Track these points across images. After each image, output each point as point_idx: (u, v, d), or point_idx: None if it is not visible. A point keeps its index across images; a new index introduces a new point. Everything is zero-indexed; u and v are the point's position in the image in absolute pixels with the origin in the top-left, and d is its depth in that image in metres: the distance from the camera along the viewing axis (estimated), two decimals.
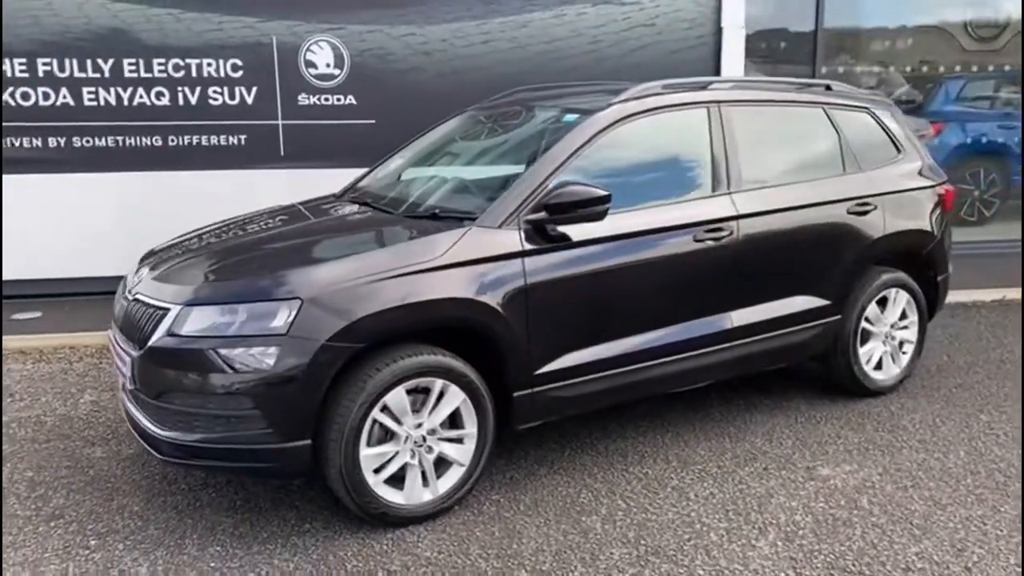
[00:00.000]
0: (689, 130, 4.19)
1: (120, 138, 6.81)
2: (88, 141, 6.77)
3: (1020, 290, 6.90)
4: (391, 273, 3.30)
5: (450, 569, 3.15)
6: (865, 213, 4.54)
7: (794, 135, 4.57)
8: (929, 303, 4.99)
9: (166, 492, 3.77)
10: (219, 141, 6.92)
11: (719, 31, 7.37)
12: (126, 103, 6.77)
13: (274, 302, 3.17)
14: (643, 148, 4.11)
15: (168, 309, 3.30)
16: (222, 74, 6.83)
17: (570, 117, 4.07)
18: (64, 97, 6.69)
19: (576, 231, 3.68)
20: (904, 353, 4.89)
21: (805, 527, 3.41)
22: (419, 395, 3.41)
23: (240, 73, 6.86)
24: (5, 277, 6.66)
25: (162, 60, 6.74)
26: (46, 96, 6.67)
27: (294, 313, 3.14)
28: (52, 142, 6.74)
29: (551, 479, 3.86)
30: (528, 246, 3.56)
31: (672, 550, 3.25)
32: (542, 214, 3.59)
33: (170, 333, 3.24)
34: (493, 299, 3.45)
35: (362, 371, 3.26)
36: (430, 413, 3.42)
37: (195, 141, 6.89)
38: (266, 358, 3.12)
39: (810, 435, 4.31)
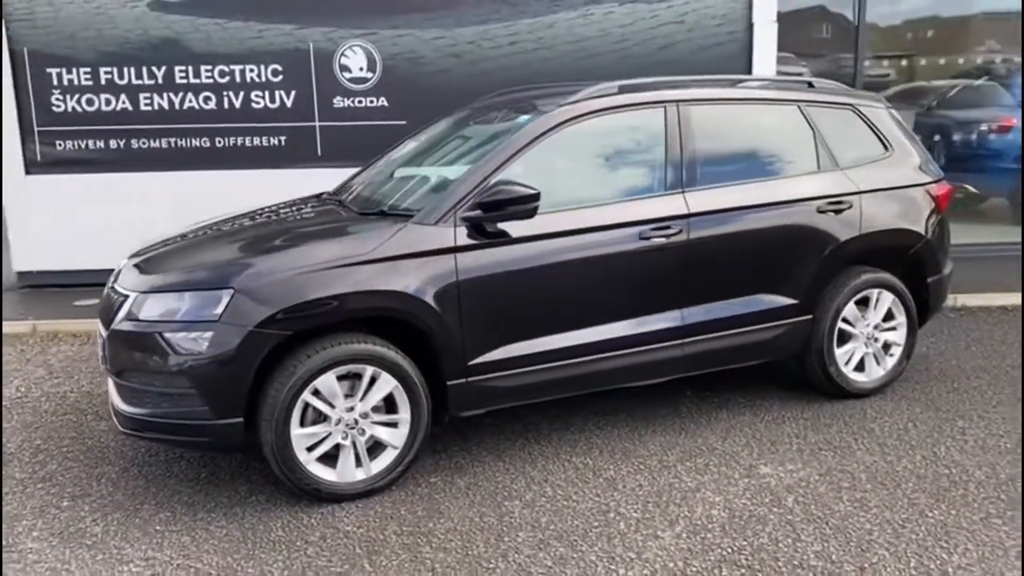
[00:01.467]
0: (643, 130, 4.26)
1: (172, 140, 7.36)
2: (144, 143, 7.35)
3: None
4: (321, 266, 3.55)
5: (362, 542, 3.37)
6: (838, 212, 4.48)
7: (762, 133, 4.56)
8: (921, 305, 4.85)
9: (144, 463, 4.14)
10: (261, 142, 7.37)
11: (751, 27, 7.29)
12: (177, 107, 7.31)
13: (212, 291, 3.48)
14: (593, 148, 4.21)
15: (128, 296, 3.66)
16: (263, 79, 7.28)
17: (523, 118, 4.21)
18: (123, 103, 7.29)
19: (518, 228, 3.83)
20: (890, 355, 4.78)
21: (716, 521, 3.46)
22: (353, 380, 3.64)
23: (280, 78, 7.28)
24: (69, 268, 7.31)
25: (209, 67, 7.25)
26: (107, 102, 7.29)
27: (227, 302, 3.43)
28: (113, 144, 7.36)
29: (493, 465, 4.02)
30: (462, 242, 3.74)
31: (575, 536, 3.37)
32: (478, 212, 3.76)
33: (128, 317, 3.60)
34: (422, 292, 3.64)
35: (294, 357, 3.52)
36: (362, 398, 3.65)
37: (239, 142, 7.37)
38: (202, 342, 3.43)
39: (769, 434, 4.30)
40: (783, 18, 7.32)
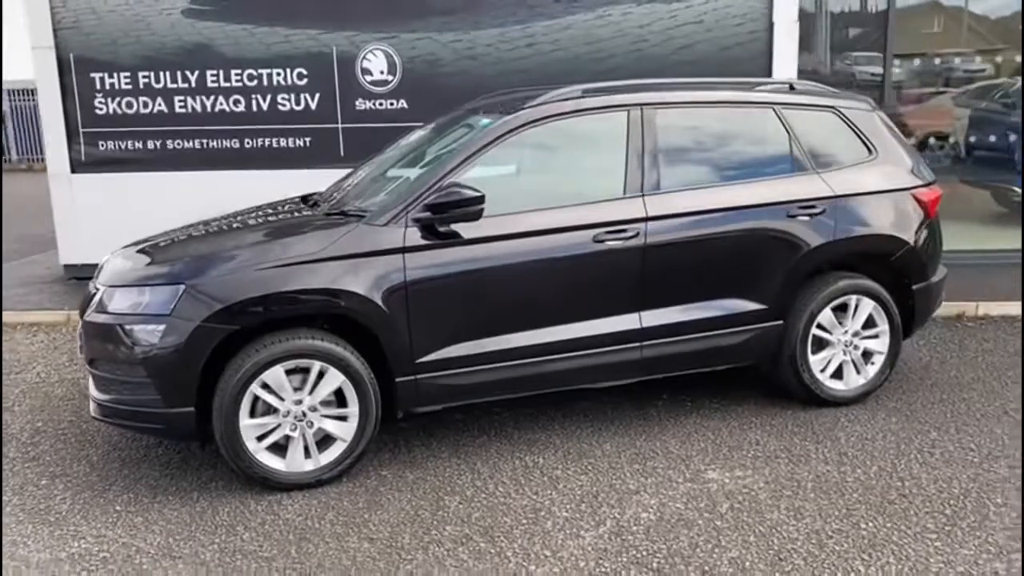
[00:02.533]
0: (605, 133, 4.29)
1: (204, 141, 7.70)
2: (179, 144, 7.72)
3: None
4: (269, 265, 3.72)
5: (297, 530, 3.52)
6: (811, 216, 4.41)
7: (732, 136, 4.52)
8: (907, 313, 4.73)
9: (125, 447, 4.40)
10: (287, 143, 7.65)
11: (771, 26, 7.17)
12: (209, 110, 7.64)
13: (166, 287, 3.68)
14: (553, 151, 4.26)
15: (99, 289, 3.90)
16: (289, 82, 7.55)
17: (485, 121, 4.29)
18: (160, 105, 7.66)
19: (471, 230, 3.92)
20: (872, 364, 4.68)
21: (643, 524, 3.48)
22: (304, 375, 3.79)
23: (305, 81, 7.54)
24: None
25: (238, 71, 7.55)
26: (145, 104, 7.67)
27: (178, 297, 3.63)
28: (150, 144, 7.74)
29: (447, 461, 4.12)
30: (411, 243, 3.85)
31: (500, 532, 3.45)
32: (428, 214, 3.86)
33: (98, 309, 3.85)
34: (369, 290, 3.77)
35: (243, 351, 3.70)
36: (311, 392, 3.80)
37: (266, 143, 7.66)
38: (156, 334, 3.64)
39: (730, 439, 4.28)
40: (902, 14, 7.11)
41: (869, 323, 4.64)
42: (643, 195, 4.19)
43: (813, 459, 4.04)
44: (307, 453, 3.85)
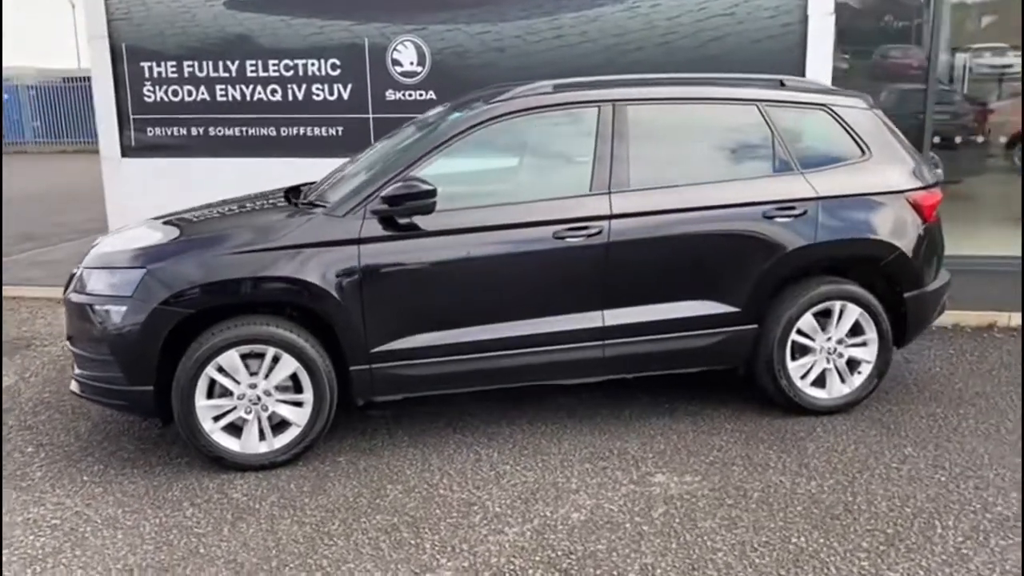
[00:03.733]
0: (574, 129, 4.26)
1: (243, 128, 7.96)
2: (220, 131, 8.00)
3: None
4: (226, 252, 3.85)
5: (237, 509, 3.65)
6: (791, 218, 4.27)
7: (709, 134, 4.40)
8: (899, 322, 4.53)
9: (113, 422, 4.62)
10: (320, 132, 7.83)
11: (806, 19, 6.92)
12: (248, 98, 7.89)
13: (130, 270, 3.86)
14: (520, 145, 4.26)
15: (78, 270, 4.12)
16: (323, 73, 7.72)
17: (455, 115, 4.31)
18: (202, 94, 7.96)
19: (431, 222, 3.97)
20: (858, 373, 4.50)
21: (570, 524, 3.46)
22: (260, 359, 3.91)
23: (338, 72, 7.70)
24: None
25: (276, 61, 7.77)
26: (189, 93, 7.98)
27: (139, 280, 3.80)
28: (193, 131, 8.05)
29: (404, 451, 4.18)
30: (367, 234, 3.91)
31: (427, 524, 3.48)
32: (384, 206, 3.92)
33: (76, 289, 4.06)
34: (323, 279, 3.86)
35: (202, 334, 3.85)
36: (266, 376, 3.91)
37: (301, 132, 7.86)
38: (118, 315, 3.82)
39: (692, 443, 4.20)
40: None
41: (856, 331, 4.46)
42: (610, 192, 4.13)
43: (771, 468, 3.92)
44: (261, 436, 3.97)
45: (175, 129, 8.06)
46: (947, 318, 6.01)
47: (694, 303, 4.25)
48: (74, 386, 4.12)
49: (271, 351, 3.88)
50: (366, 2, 7.56)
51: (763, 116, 4.37)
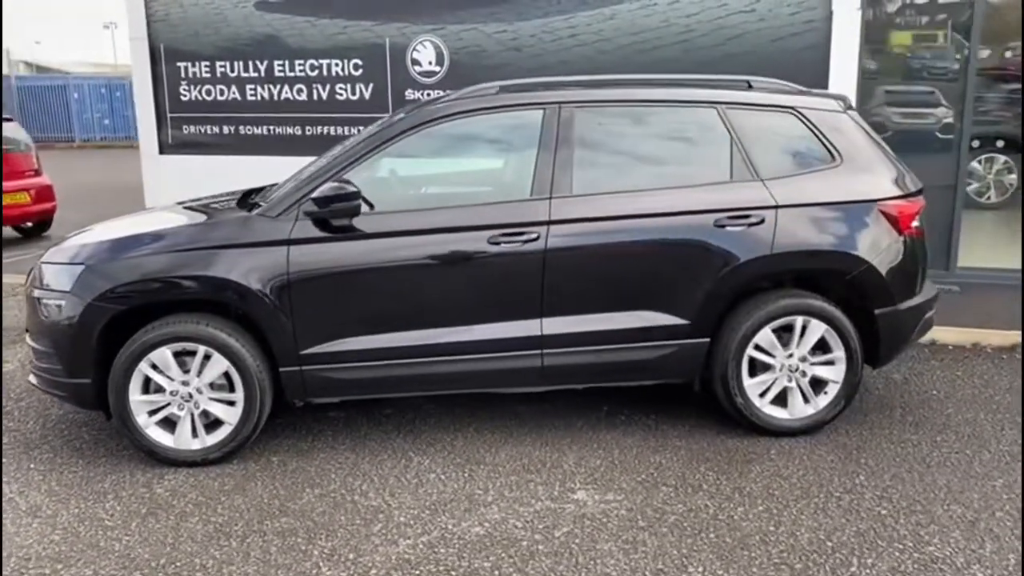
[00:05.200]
0: (516, 132, 4.16)
1: (271, 127, 8.15)
2: (249, 129, 8.21)
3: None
4: (159, 251, 3.92)
5: (154, 503, 3.70)
6: (745, 227, 4.05)
7: (662, 139, 4.22)
8: (870, 340, 4.24)
9: (80, 412, 4.76)
10: (343, 131, 7.92)
11: (831, 15, 6.57)
12: (276, 98, 8.08)
13: (71, 266, 3.98)
14: (460, 148, 4.19)
15: (35, 265, 4.28)
16: (346, 73, 7.82)
17: (399, 115, 4.27)
18: (234, 93, 8.19)
19: (364, 225, 3.95)
20: (825, 394, 4.23)
21: (467, 539, 3.37)
22: (193, 357, 3.97)
23: (360, 72, 7.79)
24: None
25: (302, 61, 7.92)
26: (221, 92, 8.23)
27: (77, 276, 3.91)
28: (225, 130, 8.29)
29: (339, 454, 4.17)
30: (297, 235, 3.92)
31: (326, 530, 3.45)
32: (314, 208, 3.92)
33: (32, 283, 4.21)
34: (248, 279, 3.88)
35: (136, 332, 3.93)
36: (198, 375, 3.97)
37: (325, 131, 7.99)
38: (58, 309, 3.94)
39: (631, 460, 4.04)
40: None
41: (823, 348, 4.19)
42: (551, 198, 4.01)
43: (702, 491, 3.73)
44: (194, 432, 4.02)
45: (208, 127, 8.32)
46: (967, 336, 5.64)
47: (639, 314, 4.08)
48: (32, 378, 4.28)
49: (202, 350, 3.92)
50: (387, 2, 7.60)
51: (723, 119, 4.15)
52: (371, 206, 4.05)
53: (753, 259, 4.04)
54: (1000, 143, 8.86)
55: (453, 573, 3.14)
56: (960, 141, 6.74)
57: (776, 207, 4.06)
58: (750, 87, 4.32)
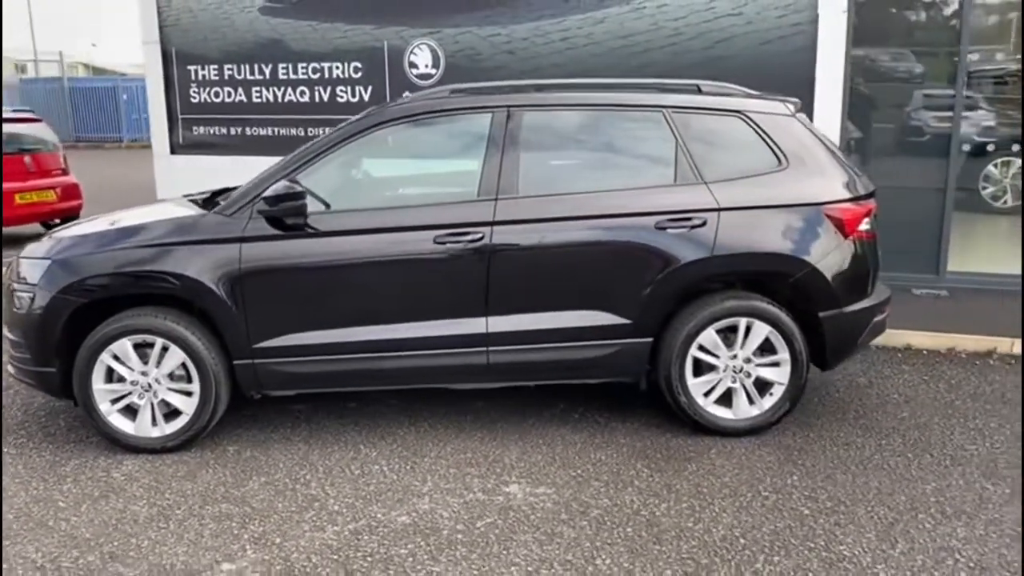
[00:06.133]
0: (465, 135, 4.27)
1: (275, 128, 8.36)
2: (255, 131, 8.44)
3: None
4: (119, 247, 4.12)
5: (107, 488, 3.89)
6: (687, 229, 4.11)
7: (608, 142, 4.29)
8: (817, 343, 4.27)
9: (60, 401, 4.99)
10: None
11: (816, 18, 6.56)
12: (280, 100, 8.29)
13: (40, 260, 4.20)
14: (409, 150, 4.33)
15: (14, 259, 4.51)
16: (346, 75, 8.00)
17: (353, 118, 4.41)
18: (240, 95, 8.42)
19: (317, 223, 4.10)
20: (770, 395, 4.28)
21: (391, 528, 3.49)
22: (151, 349, 4.16)
23: (360, 74, 7.96)
24: None
25: (304, 64, 8.12)
26: (228, 94, 8.47)
27: (45, 270, 4.13)
28: (232, 131, 8.54)
29: (293, 445, 4.32)
30: (250, 233, 4.08)
31: (261, 516, 3.61)
32: (266, 206, 4.07)
33: (9, 276, 4.45)
34: (201, 274, 4.05)
35: (98, 324, 4.13)
36: (157, 366, 4.16)
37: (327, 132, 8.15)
38: (27, 301, 4.16)
39: (572, 456, 4.13)
40: None
41: (768, 349, 4.23)
42: (496, 199, 4.12)
43: (632, 487, 3.81)
44: (154, 421, 4.21)
45: (216, 128, 8.56)
46: (943, 341, 5.61)
47: (581, 313, 4.16)
48: (9, 367, 4.51)
49: (160, 342, 4.11)
50: (386, 5, 7.76)
51: (669, 123, 4.21)
52: (327, 205, 4.20)
53: (694, 261, 4.10)
54: (1016, 147, 8.71)
55: (370, 559, 3.27)
56: (951, 144, 6.66)
57: (719, 210, 4.11)
58: (699, 91, 4.37)
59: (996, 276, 6.64)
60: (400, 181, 4.46)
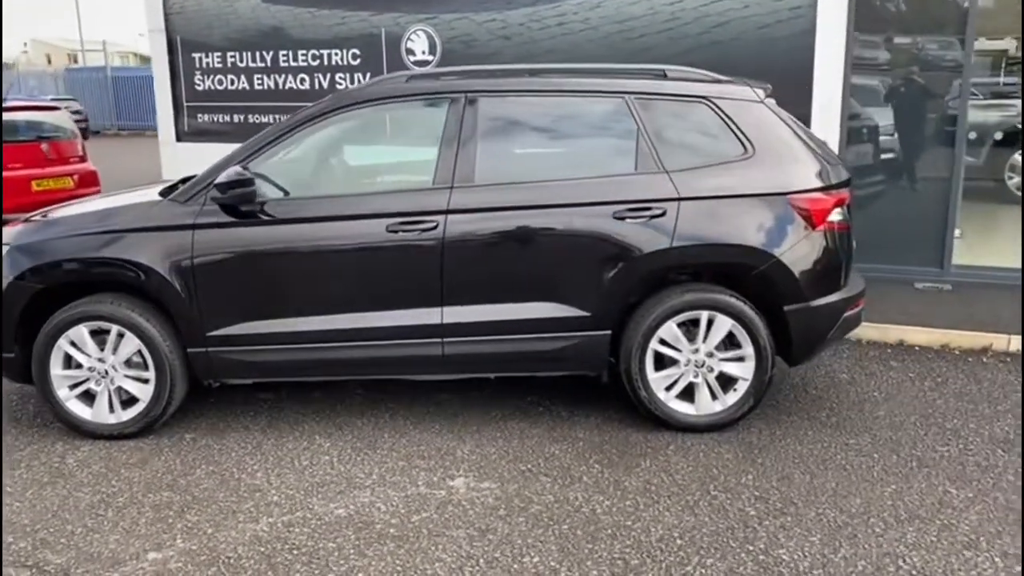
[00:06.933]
0: (422, 122, 4.20)
1: (277, 116, 8.33)
2: (257, 118, 8.45)
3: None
4: (74, 234, 4.13)
5: (57, 472, 3.91)
6: (646, 219, 3.99)
7: (569, 129, 4.18)
8: (783, 337, 4.13)
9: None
10: None
11: (816, 2, 6.35)
12: (281, 87, 8.29)
13: (5, 247, 4.21)
14: (369, 137, 4.26)
15: None
16: (345, 62, 7.97)
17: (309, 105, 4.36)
18: (243, 83, 8.44)
19: (273, 211, 4.07)
20: (734, 391, 4.15)
21: (325, 520, 3.45)
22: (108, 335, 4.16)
23: (358, 61, 7.92)
24: None
25: (304, 51, 8.10)
26: (232, 82, 8.49)
27: (5, 255, 4.15)
28: (236, 118, 8.56)
29: (249, 433, 4.30)
30: (201, 220, 4.06)
31: (200, 506, 3.58)
32: (218, 193, 4.04)
33: None
34: (153, 262, 4.03)
35: (56, 311, 4.15)
36: (113, 352, 4.16)
37: None
38: None
39: (526, 450, 4.04)
40: None
41: (732, 344, 4.10)
42: (452, 187, 4.03)
43: (580, 483, 3.71)
44: (111, 407, 4.21)
45: (220, 116, 8.60)
46: (937, 338, 5.42)
47: (538, 305, 4.07)
48: None
49: (115, 329, 4.10)
50: None
51: (631, 110, 4.09)
52: (285, 192, 4.17)
53: (653, 252, 3.98)
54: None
55: (295, 552, 3.22)
56: (957, 133, 6.41)
57: (679, 199, 3.98)
58: (665, 76, 4.23)
59: (1003, 270, 6.37)
60: (360, 169, 4.40)
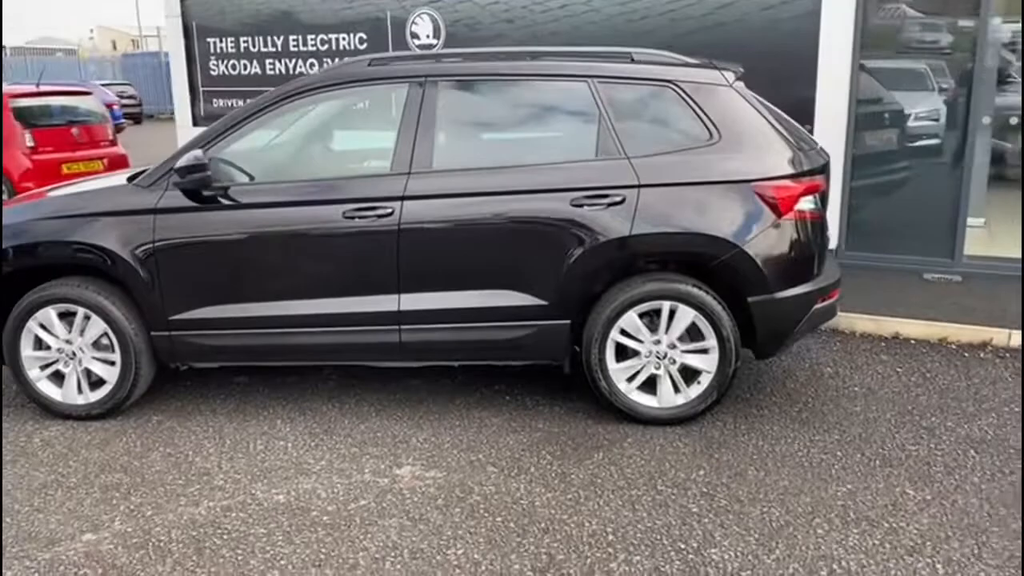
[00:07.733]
0: (380, 107, 4.17)
1: None
2: None
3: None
4: (41, 218, 4.19)
5: (19, 453, 3.99)
6: (604, 207, 3.90)
7: (530, 114, 4.10)
8: (748, 330, 4.01)
9: None
10: None
11: None
12: (291, 72, 8.33)
13: None
14: (323, 122, 4.24)
15: None
16: (352, 47, 7.97)
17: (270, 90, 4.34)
18: (255, 68, 8.51)
19: (237, 196, 4.08)
20: (697, 384, 4.05)
21: (264, 506, 3.45)
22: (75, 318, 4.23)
23: (365, 45, 7.91)
24: None
25: (313, 36, 8.13)
26: (244, 67, 8.57)
27: None
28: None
29: (214, 419, 4.32)
30: (163, 205, 4.08)
31: (147, 488, 3.62)
32: (179, 178, 4.05)
33: None
34: (116, 246, 4.07)
35: (25, 293, 4.23)
36: (80, 334, 4.23)
37: None
38: None
39: (480, 440, 4.00)
40: None
41: (696, 336, 3.99)
42: (409, 173, 3.99)
43: (527, 474, 3.66)
44: (80, 388, 4.28)
45: (234, 101, 8.68)
46: (936, 331, 5.22)
47: (496, 292, 4.01)
48: None
49: (81, 311, 4.16)
50: None
51: (593, 94, 3.99)
52: (251, 177, 4.17)
53: (611, 240, 3.88)
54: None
55: (225, 537, 3.23)
56: (968, 119, 6.14)
57: (639, 186, 3.88)
58: (632, 60, 4.11)
59: (1016, 261, 6.09)
60: (323, 153, 4.38)
